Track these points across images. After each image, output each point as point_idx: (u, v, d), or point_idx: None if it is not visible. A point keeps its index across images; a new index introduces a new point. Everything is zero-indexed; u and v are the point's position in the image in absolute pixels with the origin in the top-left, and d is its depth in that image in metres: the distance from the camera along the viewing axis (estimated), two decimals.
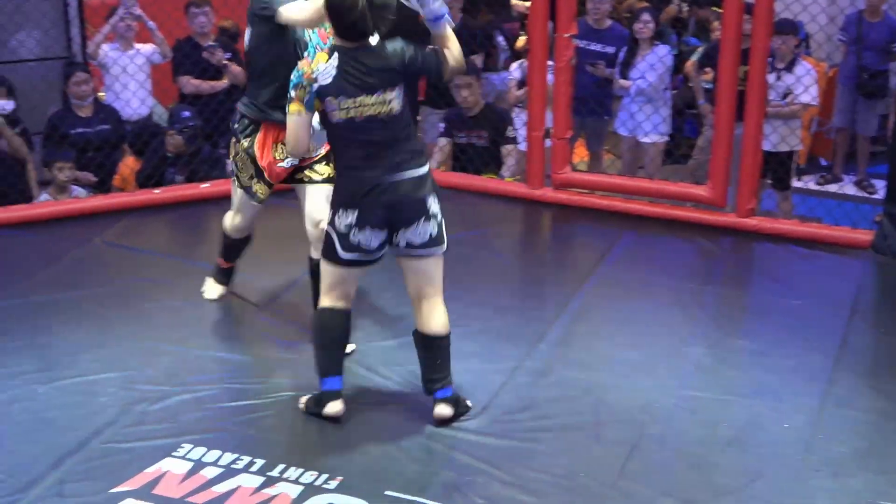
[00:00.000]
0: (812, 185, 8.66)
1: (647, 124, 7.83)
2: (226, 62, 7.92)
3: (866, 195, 8.40)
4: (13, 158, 7.32)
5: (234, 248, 5.49)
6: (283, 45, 4.75)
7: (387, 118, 4.22)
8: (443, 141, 7.66)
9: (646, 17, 7.89)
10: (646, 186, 7.02)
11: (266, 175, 4.93)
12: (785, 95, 7.58)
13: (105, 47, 7.98)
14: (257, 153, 4.91)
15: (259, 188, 4.97)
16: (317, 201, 4.89)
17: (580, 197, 7.04)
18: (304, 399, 4.54)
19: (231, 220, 5.36)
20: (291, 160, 4.88)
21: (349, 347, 4.78)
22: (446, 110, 7.90)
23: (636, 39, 7.86)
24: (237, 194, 5.18)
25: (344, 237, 4.32)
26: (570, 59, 6.93)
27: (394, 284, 5.14)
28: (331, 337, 4.44)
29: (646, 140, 7.92)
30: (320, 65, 4.22)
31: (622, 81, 7.88)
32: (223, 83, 7.96)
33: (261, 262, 5.82)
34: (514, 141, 7.60)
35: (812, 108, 7.79)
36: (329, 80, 4.20)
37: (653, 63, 7.76)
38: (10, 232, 6.60)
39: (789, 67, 7.60)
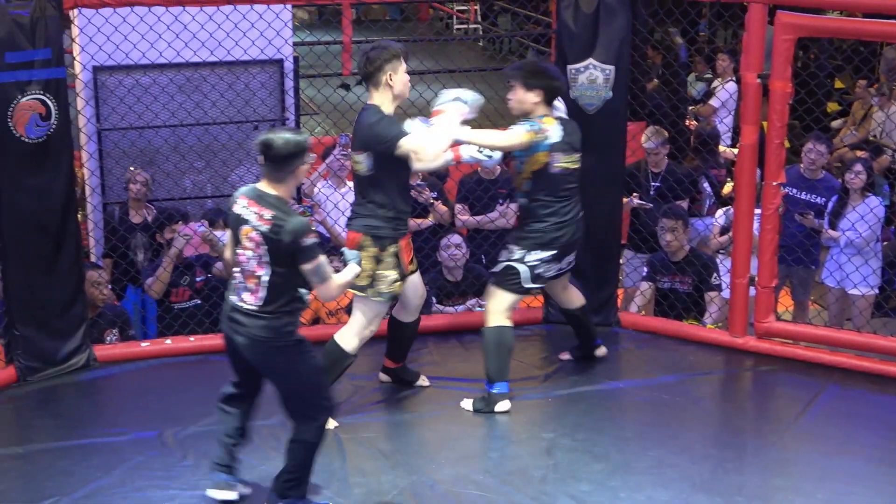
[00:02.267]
0: None
1: (855, 276, 7.65)
2: (433, 201, 8.13)
3: None
4: (227, 288, 7.57)
5: (336, 366, 5.81)
6: (405, 163, 5.62)
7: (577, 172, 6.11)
8: (644, 285, 7.64)
9: (858, 167, 7.78)
10: (853, 339, 6.84)
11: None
12: None
13: (319, 184, 8.30)
14: (403, 257, 5.77)
15: (398, 286, 5.79)
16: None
17: (784, 347, 6.89)
18: (469, 401, 5.99)
19: (355, 340, 5.80)
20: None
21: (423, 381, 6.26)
22: (649, 254, 7.89)
23: (847, 189, 7.74)
24: (367, 310, 5.76)
25: (533, 271, 6.02)
26: (778, 206, 6.86)
27: None
28: (508, 349, 6.02)
29: (854, 292, 7.74)
30: (552, 126, 5.99)
31: (831, 232, 7.75)
32: (428, 221, 8.17)
33: None
34: (718, 288, 7.52)
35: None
36: (558, 139, 5.99)
37: (864, 214, 7.62)
38: (221, 358, 6.80)
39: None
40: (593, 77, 6.93)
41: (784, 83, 6.61)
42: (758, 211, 6.97)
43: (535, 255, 6.04)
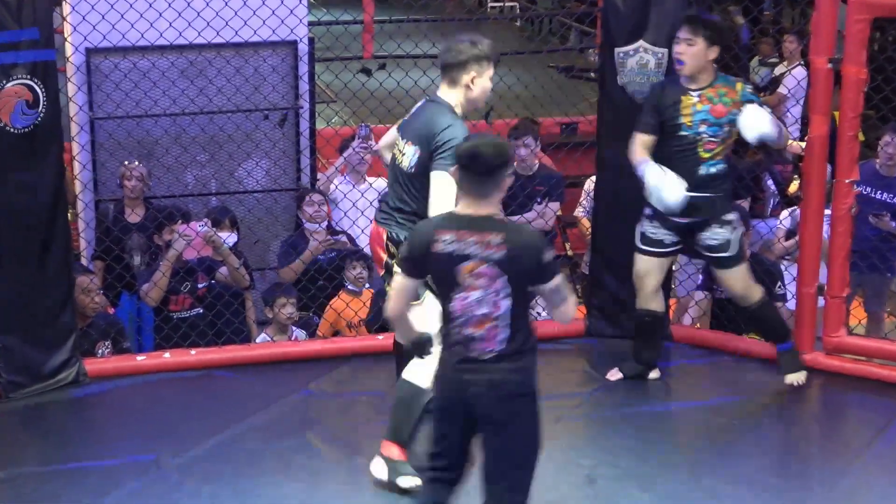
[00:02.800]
0: None
1: None
2: None
3: None
4: (231, 295, 7.65)
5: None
6: None
7: None
8: (700, 294, 7.62)
9: None
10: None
11: None
12: None
13: (336, 180, 8.34)
14: None
15: None
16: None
17: (855, 364, 6.89)
18: None
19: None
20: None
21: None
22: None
23: None
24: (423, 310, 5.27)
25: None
26: (851, 207, 6.85)
27: None
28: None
29: None
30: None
31: None
32: None
33: None
34: (782, 298, 7.50)
35: None
36: None
37: None
38: (225, 373, 6.88)
39: None
40: (644, 61, 6.95)
41: (858, 68, 6.61)
42: (827, 212, 6.96)
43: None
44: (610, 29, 7.08)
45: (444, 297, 4.51)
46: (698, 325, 7.62)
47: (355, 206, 8.13)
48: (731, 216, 6.44)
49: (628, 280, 6.78)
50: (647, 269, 6.59)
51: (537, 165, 8.28)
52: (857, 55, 6.59)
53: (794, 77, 11.11)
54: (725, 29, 6.13)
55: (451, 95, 5.47)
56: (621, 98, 7.00)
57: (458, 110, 5.46)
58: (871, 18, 6.62)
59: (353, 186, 8.29)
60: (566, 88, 10.31)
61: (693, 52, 6.27)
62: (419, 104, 5.65)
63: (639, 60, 6.95)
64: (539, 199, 8.26)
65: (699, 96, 6.33)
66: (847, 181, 6.80)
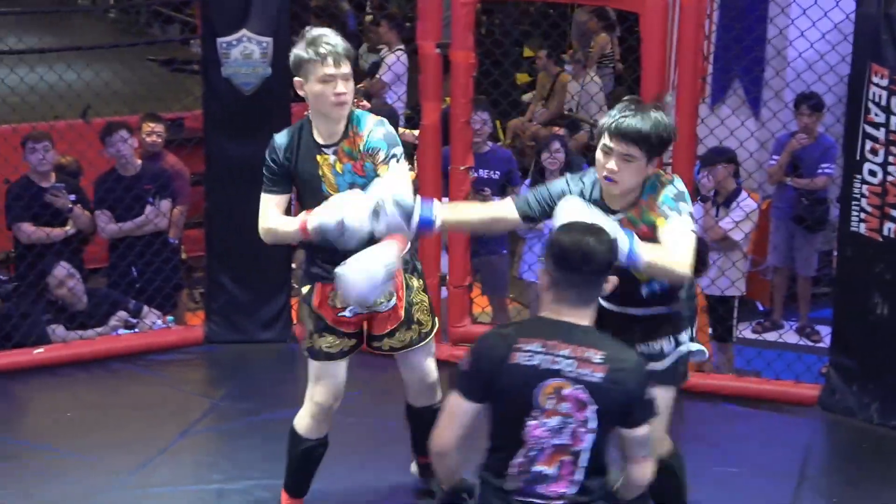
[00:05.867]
0: (748, 334, 8.80)
1: None
2: (71, 205, 7.89)
3: (810, 343, 8.55)
4: None
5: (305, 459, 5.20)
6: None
7: None
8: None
9: (556, 145, 8.02)
10: None
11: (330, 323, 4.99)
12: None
13: None
14: (314, 300, 5.01)
15: (322, 342, 4.97)
16: (430, 362, 5.26)
17: None
18: None
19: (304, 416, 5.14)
20: (353, 309, 4.94)
21: None
22: None
23: (543, 170, 7.97)
24: (311, 369, 5.06)
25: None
26: (468, 193, 7.00)
27: None
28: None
29: None
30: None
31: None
32: (64, 230, 7.93)
33: None
34: None
35: (739, 245, 7.98)
36: None
37: None
38: None
39: (728, 202, 7.84)
40: (248, 51, 6.91)
41: (466, 53, 6.77)
42: (446, 199, 7.10)
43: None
44: (210, 18, 7.00)
45: (515, 421, 3.76)
46: None
47: None
48: (682, 336, 4.73)
49: (246, 282, 6.74)
50: None
51: (140, 164, 8.09)
52: (464, 40, 6.75)
53: (386, 63, 11.28)
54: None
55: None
56: (227, 91, 6.94)
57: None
58: (477, 2, 6.80)
59: None
60: (169, 83, 10.16)
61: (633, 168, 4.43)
62: None
63: (242, 50, 6.90)
64: (150, 199, 8.07)
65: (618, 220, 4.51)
66: (462, 168, 6.96)
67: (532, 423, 3.72)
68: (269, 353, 7.06)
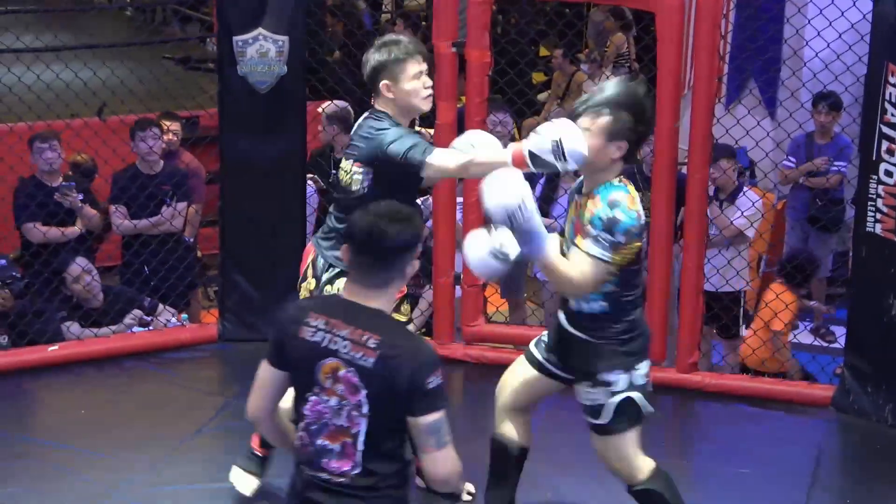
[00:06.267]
0: None
1: None
2: (80, 204, 7.92)
3: (824, 344, 8.54)
4: None
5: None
6: (410, 190, 5.02)
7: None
8: None
9: None
10: None
11: None
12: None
13: None
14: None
15: None
16: None
17: (496, 353, 7.05)
18: None
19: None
20: None
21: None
22: None
23: (557, 172, 7.93)
24: None
25: (644, 390, 4.66)
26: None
27: None
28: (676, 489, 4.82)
29: None
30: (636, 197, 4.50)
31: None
32: (75, 229, 7.95)
33: None
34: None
35: (746, 239, 7.96)
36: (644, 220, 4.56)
37: None
38: None
39: (732, 198, 7.82)
40: (264, 50, 6.91)
41: (482, 52, 6.77)
42: (460, 199, 7.10)
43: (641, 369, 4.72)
44: (226, 16, 7.00)
45: (299, 395, 3.82)
46: None
47: None
48: (611, 377, 4.68)
49: (261, 282, 6.74)
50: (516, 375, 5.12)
51: (161, 164, 8.14)
52: (480, 39, 6.75)
53: None
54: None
55: (379, 103, 5.09)
56: (242, 89, 6.95)
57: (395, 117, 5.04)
58: (493, 1, 6.80)
59: None
60: (184, 81, 10.17)
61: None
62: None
63: (258, 49, 6.91)
64: (168, 201, 8.11)
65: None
66: None
67: (313, 398, 3.76)
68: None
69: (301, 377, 3.78)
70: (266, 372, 3.87)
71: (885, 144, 6.18)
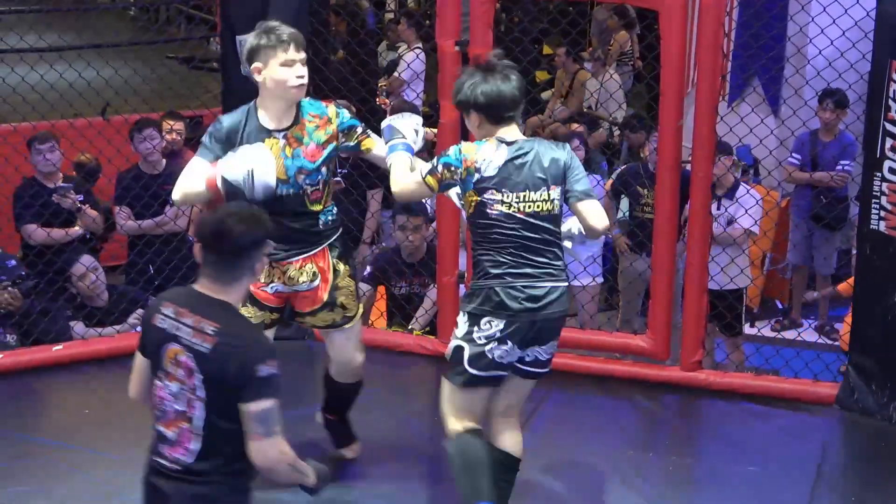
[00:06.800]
0: (767, 332, 8.79)
1: (575, 265, 7.91)
2: (80, 206, 7.91)
3: (829, 342, 8.54)
4: None
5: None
6: None
7: (547, 217, 4.74)
8: (365, 288, 7.54)
9: (574, 143, 8.05)
10: (576, 337, 7.03)
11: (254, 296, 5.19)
12: (729, 223, 7.76)
13: None
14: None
15: (244, 311, 4.82)
16: (355, 345, 5.45)
17: None
18: None
19: None
20: (276, 286, 5.22)
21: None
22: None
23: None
24: None
25: (479, 353, 4.75)
26: None
27: None
28: (472, 461, 4.78)
29: (576, 283, 7.98)
30: (476, 153, 4.73)
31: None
32: (76, 230, 7.96)
33: None
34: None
35: (753, 235, 7.95)
36: (492, 173, 4.71)
37: None
38: None
39: (730, 194, 7.81)
40: None
41: (485, 50, 6.77)
42: None
43: (485, 328, 4.81)
44: (229, 15, 7.01)
45: (151, 381, 3.99)
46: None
47: None
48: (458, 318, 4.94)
49: None
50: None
51: (164, 163, 8.14)
52: (483, 37, 6.75)
53: (404, 61, 11.31)
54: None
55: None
56: (246, 89, 6.94)
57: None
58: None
59: None
60: (188, 80, 10.18)
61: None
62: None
63: None
64: (171, 200, 8.08)
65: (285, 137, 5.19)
66: None
67: (159, 384, 3.93)
68: (286, 350, 7.01)
69: (154, 363, 3.96)
70: (137, 358, 4.08)
71: (889, 142, 6.18)
